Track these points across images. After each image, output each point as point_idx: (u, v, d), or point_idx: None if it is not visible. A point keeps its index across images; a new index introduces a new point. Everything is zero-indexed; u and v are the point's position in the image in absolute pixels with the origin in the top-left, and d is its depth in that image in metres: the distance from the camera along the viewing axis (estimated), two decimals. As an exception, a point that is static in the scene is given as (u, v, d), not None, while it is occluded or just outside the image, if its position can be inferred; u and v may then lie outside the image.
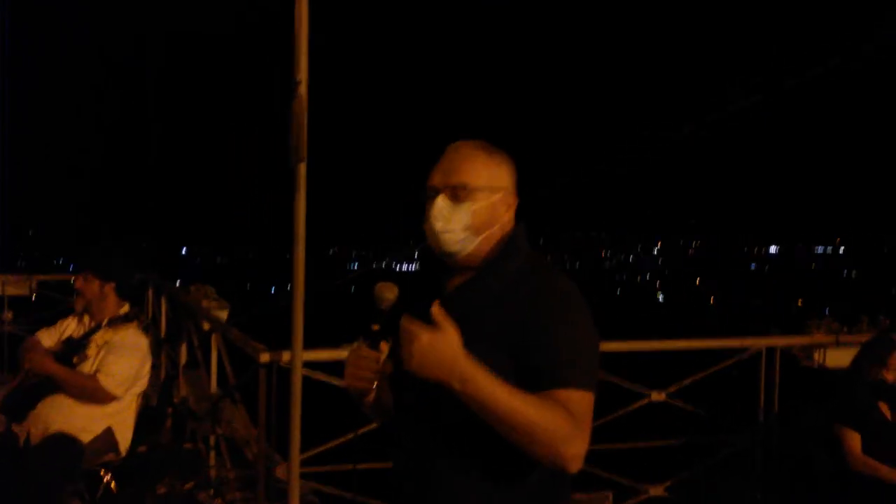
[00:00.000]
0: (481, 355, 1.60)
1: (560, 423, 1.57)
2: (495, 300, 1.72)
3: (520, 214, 1.86)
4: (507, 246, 1.78)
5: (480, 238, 1.76)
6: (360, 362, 1.76)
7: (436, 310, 1.59)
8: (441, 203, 1.75)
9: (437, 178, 1.78)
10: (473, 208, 1.74)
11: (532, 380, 1.63)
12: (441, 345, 1.56)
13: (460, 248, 1.75)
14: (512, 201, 1.81)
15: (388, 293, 1.74)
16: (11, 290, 8.16)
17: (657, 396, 4.56)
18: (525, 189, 1.89)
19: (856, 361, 4.21)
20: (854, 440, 3.97)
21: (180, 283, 7.71)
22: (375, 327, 1.74)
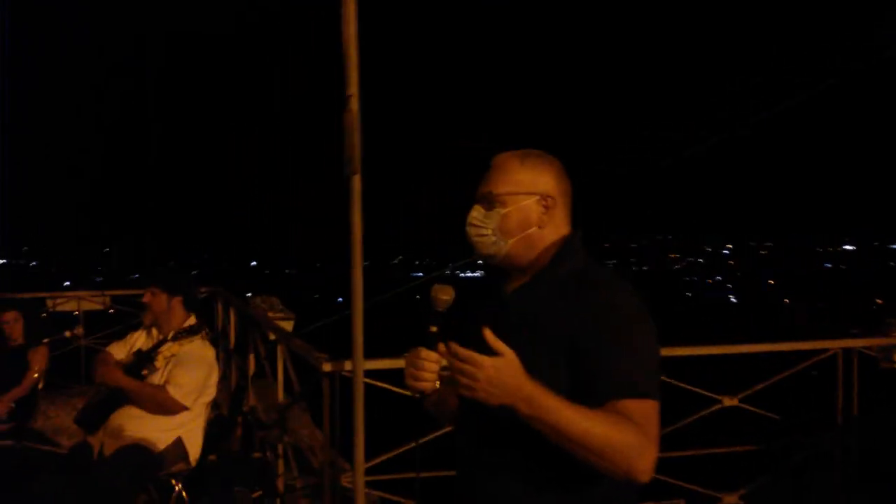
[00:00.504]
0: (537, 360, 1.63)
1: (630, 438, 1.56)
2: (549, 305, 1.74)
3: (578, 220, 1.92)
4: (559, 250, 1.83)
5: (514, 240, 1.83)
6: (418, 363, 1.78)
7: (488, 334, 1.59)
8: (474, 211, 1.88)
9: (477, 189, 1.90)
10: (503, 212, 1.84)
11: (590, 388, 1.62)
12: (505, 371, 1.56)
13: (495, 251, 1.84)
14: (553, 204, 1.85)
15: (444, 294, 1.77)
16: (87, 306, 8.45)
17: (729, 402, 4.41)
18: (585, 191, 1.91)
19: None
20: None
21: (251, 295, 7.85)
22: (433, 329, 1.77)
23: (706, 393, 4.42)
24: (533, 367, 1.59)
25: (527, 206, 1.85)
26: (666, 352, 4.09)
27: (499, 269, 1.90)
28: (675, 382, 4.10)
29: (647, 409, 1.61)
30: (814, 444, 4.66)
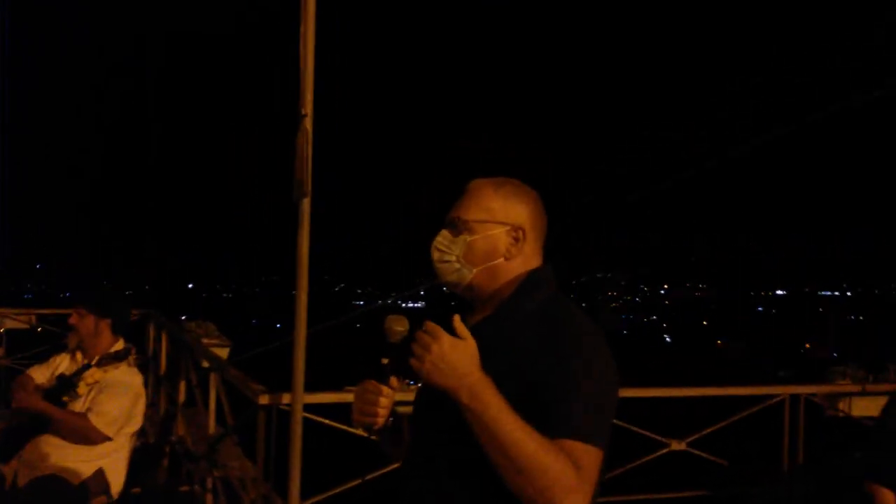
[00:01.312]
0: None
1: (563, 472, 1.49)
2: (508, 341, 1.67)
3: (548, 254, 1.86)
4: (523, 284, 1.77)
5: (478, 269, 1.77)
6: (367, 397, 1.72)
7: (457, 321, 1.58)
8: (441, 235, 1.82)
9: (449, 212, 1.84)
10: (469, 240, 1.78)
11: (538, 426, 1.53)
12: (459, 352, 1.54)
13: (458, 279, 1.79)
14: (523, 237, 1.79)
15: (399, 326, 1.71)
16: (11, 324, 8.07)
17: (678, 445, 4.36)
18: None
19: (886, 412, 4.01)
20: (887, 499, 3.75)
21: (186, 318, 7.60)
22: (385, 361, 1.71)
23: (654, 436, 4.36)
24: None
25: (495, 235, 1.78)
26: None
27: (462, 298, 1.83)
28: (623, 424, 4.03)
29: (588, 456, 1.53)
30: (761, 493, 4.64)
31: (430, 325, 1.57)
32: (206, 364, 5.35)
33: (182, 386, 6.09)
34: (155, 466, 5.36)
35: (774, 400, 4.56)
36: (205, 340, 6.00)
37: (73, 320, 3.95)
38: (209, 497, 4.91)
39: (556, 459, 1.49)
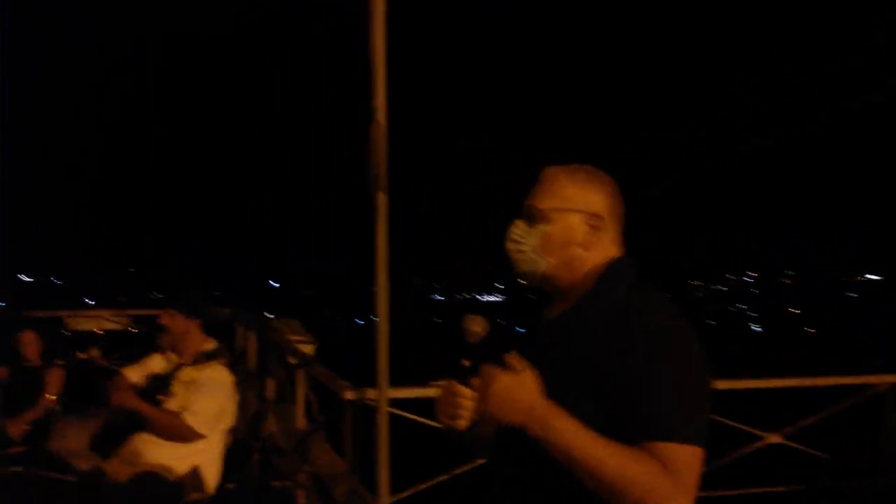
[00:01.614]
0: (568, 391, 1.53)
1: (656, 480, 1.42)
2: (588, 334, 1.60)
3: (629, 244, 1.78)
4: (604, 275, 1.69)
5: (554, 260, 1.71)
6: (451, 400, 1.66)
7: (512, 356, 1.54)
8: (515, 225, 1.76)
9: (524, 202, 1.79)
10: (545, 229, 1.72)
11: (623, 429, 1.48)
12: (518, 387, 1.50)
13: (533, 269, 1.73)
14: (601, 224, 1.72)
15: (477, 327, 1.66)
16: (106, 325, 8.39)
17: (774, 438, 4.19)
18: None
19: None
20: None
21: (274, 316, 7.75)
22: (465, 363, 1.65)
23: (749, 429, 4.21)
24: (563, 399, 1.50)
25: (572, 224, 1.71)
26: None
27: (541, 291, 1.77)
28: (716, 418, 3.91)
29: (683, 456, 1.45)
30: (862, 486, 4.43)
31: (484, 368, 1.55)
32: (293, 361, 5.42)
33: (271, 383, 6.20)
34: (247, 462, 5.47)
35: (879, 390, 4.34)
36: (291, 337, 6.09)
37: (164, 321, 4.05)
38: (300, 492, 4.97)
39: (643, 469, 1.43)
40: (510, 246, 1.76)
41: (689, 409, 1.49)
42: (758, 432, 4.21)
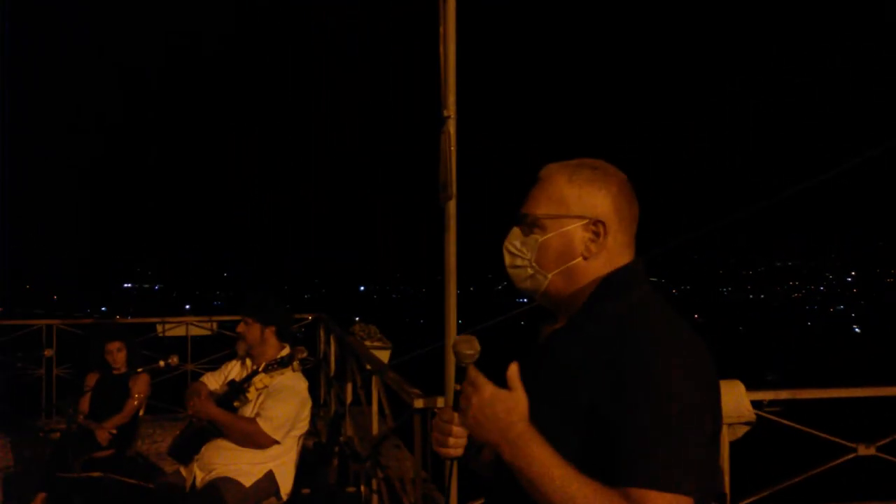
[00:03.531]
0: (551, 418, 1.38)
1: None
2: (573, 361, 1.43)
3: (642, 247, 1.59)
4: (600, 287, 1.51)
5: (553, 274, 1.53)
6: (444, 427, 1.51)
7: (510, 372, 1.39)
8: (511, 234, 1.59)
9: (520, 207, 1.61)
10: (541, 240, 1.54)
11: (605, 468, 1.32)
12: (499, 405, 1.37)
13: (533, 286, 1.56)
14: (603, 231, 1.52)
15: (468, 349, 1.48)
16: (194, 331, 8.64)
17: (865, 450, 3.96)
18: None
19: None
20: None
21: (359, 320, 7.82)
22: (458, 387, 1.48)
23: (838, 440, 3.98)
24: (545, 426, 1.36)
25: (570, 232, 1.52)
26: (793, 394, 3.75)
27: (545, 309, 1.60)
28: (802, 428, 3.71)
29: None
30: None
31: (473, 374, 1.41)
32: (368, 367, 5.45)
33: (349, 387, 6.26)
34: (325, 467, 5.52)
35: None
36: (367, 343, 6.12)
37: (240, 329, 4.13)
38: (375, 498, 4.98)
39: None
40: (507, 259, 1.59)
41: (678, 452, 1.30)
42: (848, 444, 3.98)
